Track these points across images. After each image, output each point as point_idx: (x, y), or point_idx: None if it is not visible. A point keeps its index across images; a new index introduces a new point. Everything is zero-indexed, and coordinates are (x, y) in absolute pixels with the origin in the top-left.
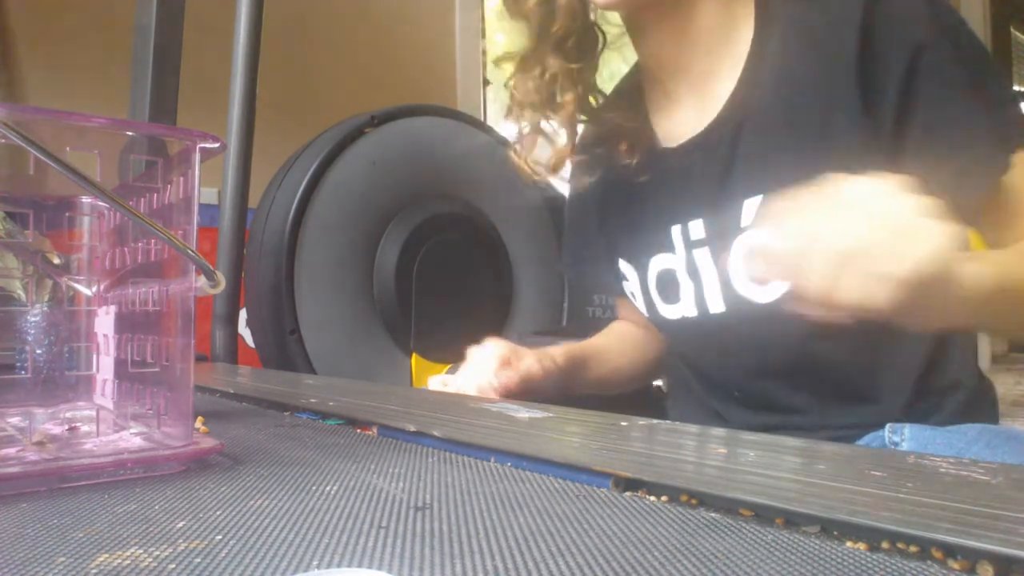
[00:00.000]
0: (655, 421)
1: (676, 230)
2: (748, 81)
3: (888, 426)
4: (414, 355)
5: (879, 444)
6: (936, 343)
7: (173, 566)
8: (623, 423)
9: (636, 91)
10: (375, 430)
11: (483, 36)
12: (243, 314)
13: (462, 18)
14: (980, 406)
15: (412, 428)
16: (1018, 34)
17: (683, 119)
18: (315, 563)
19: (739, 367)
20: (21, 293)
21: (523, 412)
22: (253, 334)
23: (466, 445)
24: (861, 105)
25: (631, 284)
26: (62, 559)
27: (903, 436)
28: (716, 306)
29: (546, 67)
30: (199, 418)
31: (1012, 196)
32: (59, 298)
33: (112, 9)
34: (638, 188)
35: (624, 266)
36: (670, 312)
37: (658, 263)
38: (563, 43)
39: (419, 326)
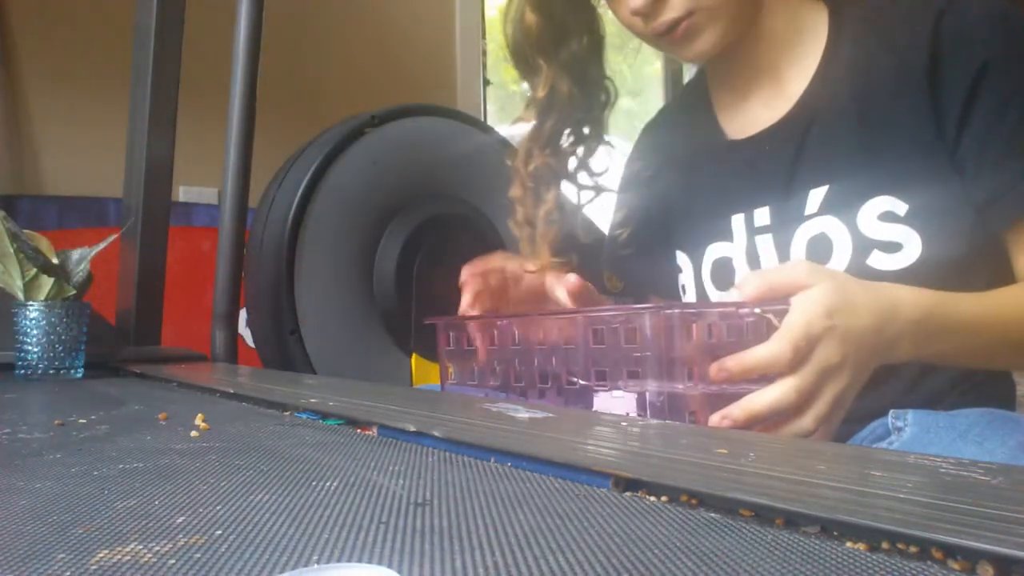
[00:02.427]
0: (655, 421)
1: (738, 219)
2: (821, 81)
3: (891, 412)
4: (414, 355)
5: (883, 430)
6: None
7: (173, 561)
8: (623, 423)
9: (700, 89)
10: (375, 430)
11: (483, 36)
12: (243, 314)
13: (462, 18)
14: (993, 394)
15: (412, 428)
16: None
17: (752, 115)
18: (315, 558)
19: None
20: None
21: (523, 412)
22: (253, 334)
23: (466, 445)
24: (929, 110)
25: (684, 276)
26: (62, 555)
27: (906, 421)
28: None
29: (532, 157)
30: (199, 415)
31: None
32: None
33: (112, 9)
34: (699, 179)
35: (681, 257)
36: (720, 298)
37: (714, 252)
38: (555, 138)
39: (419, 326)
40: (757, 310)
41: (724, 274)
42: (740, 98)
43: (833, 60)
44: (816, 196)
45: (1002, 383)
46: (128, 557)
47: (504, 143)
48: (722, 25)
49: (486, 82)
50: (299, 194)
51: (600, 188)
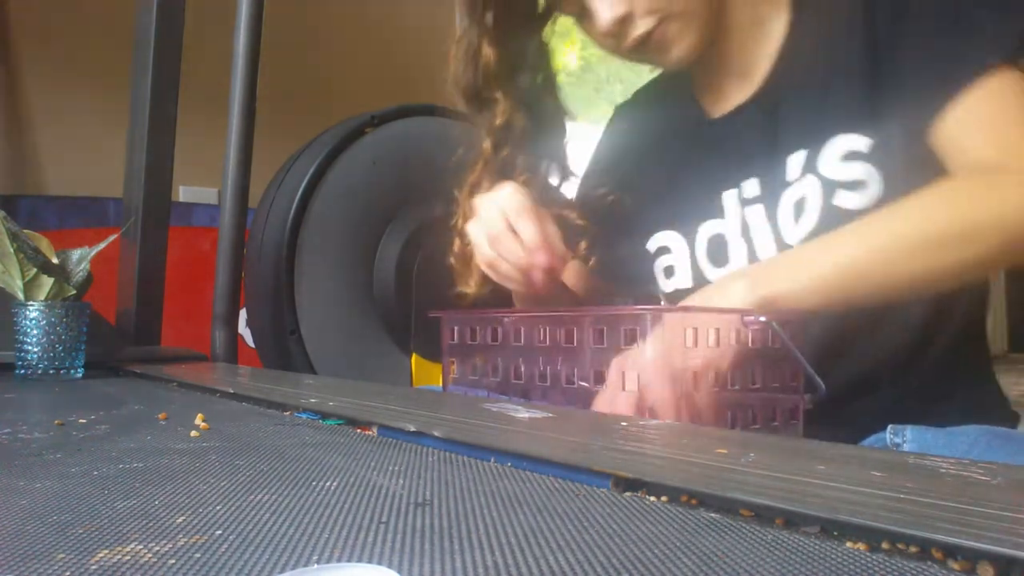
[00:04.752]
0: (655, 421)
1: (730, 195)
2: (785, 56)
3: (890, 428)
4: (414, 355)
5: (881, 446)
6: (927, 329)
7: (173, 561)
8: (623, 423)
9: (681, 75)
10: (375, 430)
11: None
12: (243, 314)
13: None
14: (986, 404)
15: (412, 428)
16: None
17: (727, 95)
18: (315, 558)
19: None
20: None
21: (523, 412)
22: (253, 334)
23: (466, 445)
24: (871, 50)
25: (673, 257)
26: (62, 555)
27: (904, 438)
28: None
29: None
30: (199, 415)
31: (990, 107)
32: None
33: (112, 9)
34: (684, 157)
35: (669, 237)
36: (718, 275)
37: (708, 229)
38: (508, 169)
39: (419, 326)
40: (763, 318)
41: (719, 251)
42: (716, 83)
43: (794, 38)
44: (796, 161)
45: (996, 404)
46: (128, 557)
47: None
48: (693, 29)
49: None
50: (299, 194)
51: (568, 221)
